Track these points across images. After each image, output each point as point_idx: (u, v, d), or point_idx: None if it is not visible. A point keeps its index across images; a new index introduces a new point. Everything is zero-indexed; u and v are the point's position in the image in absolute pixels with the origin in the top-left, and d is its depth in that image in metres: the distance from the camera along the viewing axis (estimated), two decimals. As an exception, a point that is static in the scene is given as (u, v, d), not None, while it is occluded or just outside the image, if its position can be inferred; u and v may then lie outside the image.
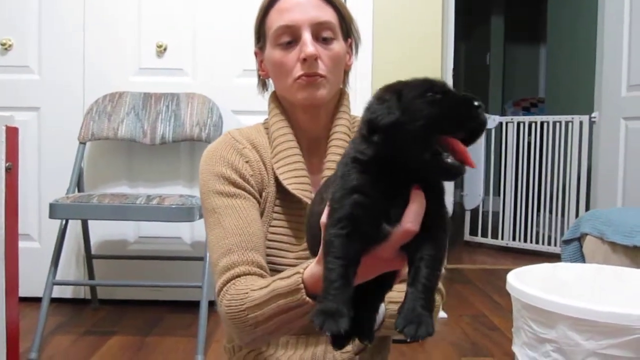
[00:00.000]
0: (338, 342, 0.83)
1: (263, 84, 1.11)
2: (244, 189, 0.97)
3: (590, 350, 1.10)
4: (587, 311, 1.09)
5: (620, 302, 1.39)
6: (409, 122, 0.66)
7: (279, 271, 0.88)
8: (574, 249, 2.05)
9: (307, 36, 0.95)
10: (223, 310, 0.89)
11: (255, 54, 1.08)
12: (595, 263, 1.92)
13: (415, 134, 0.66)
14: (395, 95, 0.69)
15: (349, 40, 1.06)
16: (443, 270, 0.73)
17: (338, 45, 1.00)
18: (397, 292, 0.81)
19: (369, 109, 0.70)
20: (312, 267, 0.80)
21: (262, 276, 0.91)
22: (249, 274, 0.91)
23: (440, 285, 1.07)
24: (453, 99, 0.68)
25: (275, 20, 0.97)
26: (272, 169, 1.00)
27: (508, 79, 6.39)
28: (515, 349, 1.28)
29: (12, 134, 1.36)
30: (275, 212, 1.00)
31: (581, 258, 2.02)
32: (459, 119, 0.66)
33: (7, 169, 1.34)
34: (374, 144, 0.69)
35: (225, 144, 1.01)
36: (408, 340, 0.64)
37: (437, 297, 1.06)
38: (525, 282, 1.28)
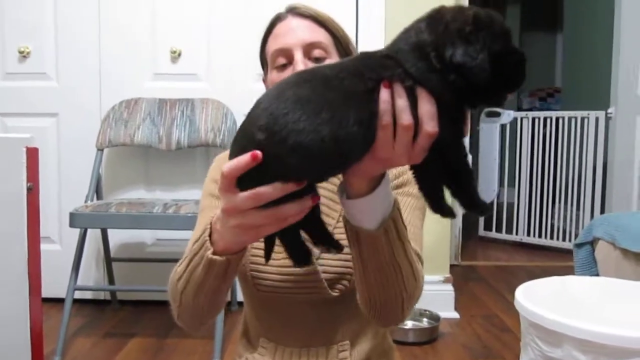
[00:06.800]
0: (297, 258, 0.80)
1: None
2: None
3: (595, 370, 1.12)
4: (591, 333, 1.11)
5: (630, 318, 1.40)
6: (485, 83, 0.64)
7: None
8: (586, 253, 2.05)
9: (298, 56, 1.01)
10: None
11: (263, 80, 1.14)
12: (607, 269, 1.93)
13: (481, 90, 0.65)
14: (482, 43, 0.64)
15: None
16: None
17: None
18: None
19: (454, 44, 0.63)
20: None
21: None
22: None
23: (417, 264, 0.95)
24: (521, 62, 0.67)
25: (272, 45, 1.05)
26: None
27: (524, 68, 6.30)
28: (522, 364, 1.31)
29: (32, 154, 1.40)
30: None
31: (593, 263, 2.02)
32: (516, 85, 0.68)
33: (29, 190, 1.39)
34: (441, 75, 0.65)
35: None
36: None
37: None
38: (533, 297, 1.29)
